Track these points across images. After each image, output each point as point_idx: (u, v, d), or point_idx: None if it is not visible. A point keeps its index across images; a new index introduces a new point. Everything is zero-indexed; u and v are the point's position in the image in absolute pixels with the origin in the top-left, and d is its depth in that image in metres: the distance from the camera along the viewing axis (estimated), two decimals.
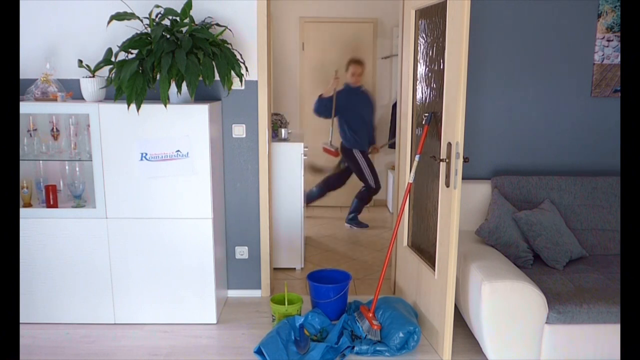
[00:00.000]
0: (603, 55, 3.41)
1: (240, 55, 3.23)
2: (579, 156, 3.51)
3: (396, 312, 3.00)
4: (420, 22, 3.15)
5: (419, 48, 3.18)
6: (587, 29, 3.38)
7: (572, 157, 3.51)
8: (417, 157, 3.06)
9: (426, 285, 3.03)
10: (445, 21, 2.68)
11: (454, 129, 2.60)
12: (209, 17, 3.26)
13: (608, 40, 3.39)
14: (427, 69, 3.06)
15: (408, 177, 3.17)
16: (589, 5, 3.35)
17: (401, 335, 2.86)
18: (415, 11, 3.18)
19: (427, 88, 3.07)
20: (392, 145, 5.92)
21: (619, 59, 3.41)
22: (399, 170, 3.57)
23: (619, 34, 3.37)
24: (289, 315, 3.11)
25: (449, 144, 2.65)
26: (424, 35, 3.11)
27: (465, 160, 2.59)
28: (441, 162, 2.76)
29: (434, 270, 2.90)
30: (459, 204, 2.61)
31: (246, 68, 3.26)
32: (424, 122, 3.01)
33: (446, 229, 2.71)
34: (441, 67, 2.79)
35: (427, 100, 3.09)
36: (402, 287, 3.51)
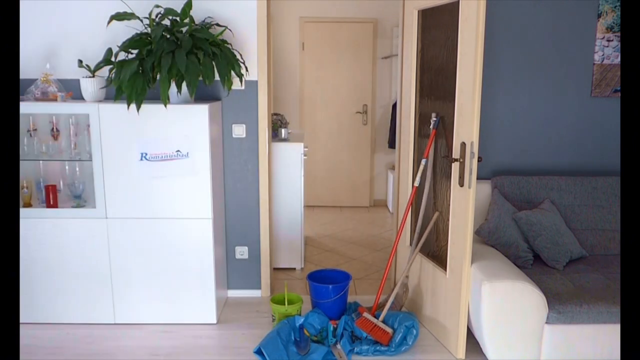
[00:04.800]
0: (603, 55, 3.40)
1: (240, 55, 3.23)
2: (579, 156, 3.50)
3: (394, 311, 3.00)
4: (424, 22, 3.14)
5: (421, 48, 3.18)
6: (587, 29, 3.38)
7: (572, 157, 3.50)
8: (423, 161, 3.05)
9: (434, 285, 3.03)
10: (454, 22, 2.70)
11: (468, 129, 2.62)
12: (209, 17, 3.26)
13: (608, 40, 3.39)
14: (430, 69, 3.06)
15: (412, 180, 3.16)
16: (589, 5, 3.35)
17: (400, 330, 2.88)
18: (419, 11, 3.18)
19: (430, 89, 3.07)
20: (392, 145, 5.93)
21: (619, 59, 3.40)
22: (399, 170, 3.56)
23: (619, 34, 3.37)
24: (289, 315, 3.11)
25: (463, 144, 2.67)
26: (427, 36, 3.10)
27: (479, 159, 2.61)
28: (454, 162, 2.76)
29: (445, 270, 2.90)
30: (473, 202, 2.65)
31: (246, 68, 3.26)
32: (431, 127, 3.00)
33: (460, 228, 2.73)
34: (449, 67, 2.79)
35: (431, 102, 3.09)
36: None
